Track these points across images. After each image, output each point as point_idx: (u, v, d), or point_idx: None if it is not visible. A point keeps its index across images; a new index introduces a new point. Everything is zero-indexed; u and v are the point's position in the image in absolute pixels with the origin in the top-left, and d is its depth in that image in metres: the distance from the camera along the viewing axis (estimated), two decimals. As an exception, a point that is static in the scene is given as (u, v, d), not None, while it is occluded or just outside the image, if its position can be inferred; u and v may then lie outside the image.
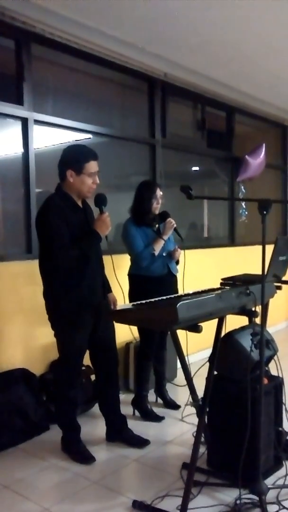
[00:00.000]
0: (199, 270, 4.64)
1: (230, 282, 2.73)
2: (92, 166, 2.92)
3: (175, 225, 3.61)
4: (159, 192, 3.62)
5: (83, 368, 3.56)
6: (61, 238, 2.80)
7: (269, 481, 2.64)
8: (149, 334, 3.62)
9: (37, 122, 3.74)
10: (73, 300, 2.89)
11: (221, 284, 2.73)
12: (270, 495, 2.51)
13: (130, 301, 3.49)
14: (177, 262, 3.73)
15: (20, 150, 3.69)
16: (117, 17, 3.65)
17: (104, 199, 2.98)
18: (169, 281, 3.65)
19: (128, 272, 3.68)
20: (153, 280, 3.55)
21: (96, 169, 2.94)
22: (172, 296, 2.54)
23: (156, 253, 3.54)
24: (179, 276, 3.73)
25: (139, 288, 3.57)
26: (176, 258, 3.67)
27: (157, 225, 3.70)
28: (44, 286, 2.99)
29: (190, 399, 2.78)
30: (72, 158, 2.92)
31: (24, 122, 3.68)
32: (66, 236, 2.82)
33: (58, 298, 2.92)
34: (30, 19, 3.51)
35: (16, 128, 3.68)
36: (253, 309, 2.53)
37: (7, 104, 3.55)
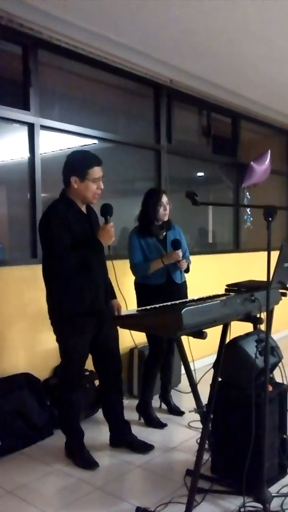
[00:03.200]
0: (204, 276, 4.64)
1: (235, 288, 2.72)
2: (96, 172, 2.92)
3: (179, 259, 3.52)
4: (164, 199, 3.60)
5: (87, 373, 3.57)
6: (62, 245, 2.81)
7: (273, 489, 2.63)
8: (159, 342, 3.62)
9: (43, 127, 3.77)
10: (75, 306, 2.89)
11: (225, 290, 2.73)
12: (274, 503, 2.49)
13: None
14: (187, 271, 3.70)
15: (26, 155, 3.71)
16: (124, 23, 3.67)
17: (110, 209, 2.97)
18: (171, 289, 3.56)
19: (134, 281, 3.70)
20: (153, 288, 3.55)
21: (100, 174, 2.95)
22: (177, 302, 2.54)
23: (151, 272, 3.51)
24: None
25: (141, 296, 3.61)
26: (182, 268, 3.60)
27: (164, 233, 3.68)
28: (47, 291, 3.00)
29: (195, 406, 2.77)
30: (76, 164, 2.93)
31: (31, 127, 3.70)
32: (67, 243, 2.83)
33: (60, 303, 2.93)
34: (37, 26, 3.54)
35: (22, 133, 3.70)
36: (258, 315, 2.52)
37: (14, 109, 3.58)
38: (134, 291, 3.66)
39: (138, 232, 3.62)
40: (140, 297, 3.62)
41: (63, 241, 2.81)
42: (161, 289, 3.54)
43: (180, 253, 3.52)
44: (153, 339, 3.63)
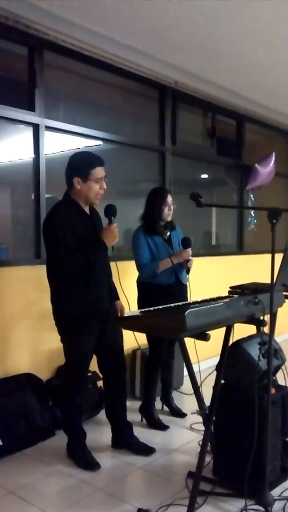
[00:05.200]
0: (207, 278, 4.64)
1: (238, 290, 2.72)
2: (98, 172, 2.93)
3: (189, 257, 3.55)
4: (169, 199, 3.60)
5: (90, 374, 3.57)
6: (66, 245, 2.82)
7: (275, 492, 2.62)
8: (159, 344, 3.61)
9: (48, 128, 3.77)
10: (79, 307, 2.90)
11: (229, 292, 2.72)
12: (276, 507, 2.49)
13: (139, 308, 3.48)
14: (188, 271, 3.68)
15: (31, 155, 3.72)
16: (129, 25, 3.67)
17: (114, 210, 2.98)
18: (178, 289, 3.58)
19: (136, 280, 3.67)
20: (161, 288, 3.52)
21: (103, 174, 2.96)
22: (180, 303, 2.53)
23: (160, 271, 3.50)
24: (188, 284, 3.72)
25: (146, 296, 3.57)
26: (190, 267, 3.60)
27: (168, 233, 3.68)
28: (51, 292, 3.01)
29: (197, 408, 2.76)
30: (78, 165, 2.94)
31: (36, 128, 3.70)
32: (72, 243, 2.84)
33: (64, 304, 2.94)
34: (43, 27, 3.55)
35: (27, 134, 3.71)
36: (262, 318, 2.52)
37: (19, 110, 3.58)
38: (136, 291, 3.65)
39: (144, 230, 3.59)
40: (145, 297, 3.58)
41: (67, 242, 2.82)
42: (170, 289, 3.53)
43: (190, 251, 3.53)
44: (153, 340, 3.62)
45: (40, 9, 3.42)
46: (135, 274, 3.67)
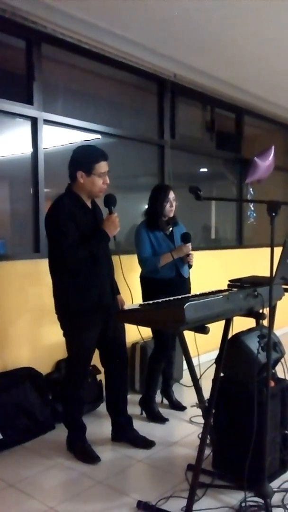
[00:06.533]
0: (207, 271, 4.64)
1: (237, 283, 2.72)
2: (102, 166, 2.93)
3: (189, 252, 3.57)
4: (172, 195, 3.62)
5: (90, 367, 3.57)
6: (69, 238, 2.81)
7: (274, 484, 2.63)
8: (164, 337, 3.62)
9: (46, 121, 3.76)
10: (82, 301, 2.90)
11: (228, 285, 2.73)
12: (276, 498, 2.50)
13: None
14: (190, 266, 3.70)
15: (29, 149, 3.71)
16: (128, 17, 3.65)
17: (113, 200, 2.99)
18: (179, 283, 3.60)
19: (139, 275, 3.69)
20: (162, 282, 3.54)
21: (106, 169, 2.95)
22: (180, 297, 2.53)
23: (161, 265, 3.52)
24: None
25: (149, 291, 3.60)
26: (190, 262, 3.62)
27: (170, 229, 3.70)
28: (54, 286, 3.00)
29: (196, 401, 2.77)
30: (82, 159, 2.93)
31: (34, 121, 3.69)
32: (75, 236, 2.84)
33: (67, 298, 2.94)
34: (41, 19, 3.52)
35: (25, 128, 3.69)
36: (261, 311, 2.52)
37: (17, 103, 3.57)
38: (139, 286, 3.65)
39: (146, 226, 3.63)
40: (147, 291, 3.61)
41: (70, 235, 2.82)
42: (171, 283, 3.55)
43: (190, 246, 3.54)
44: (159, 334, 3.64)
45: (38, 2, 3.39)
46: (138, 267, 3.68)
